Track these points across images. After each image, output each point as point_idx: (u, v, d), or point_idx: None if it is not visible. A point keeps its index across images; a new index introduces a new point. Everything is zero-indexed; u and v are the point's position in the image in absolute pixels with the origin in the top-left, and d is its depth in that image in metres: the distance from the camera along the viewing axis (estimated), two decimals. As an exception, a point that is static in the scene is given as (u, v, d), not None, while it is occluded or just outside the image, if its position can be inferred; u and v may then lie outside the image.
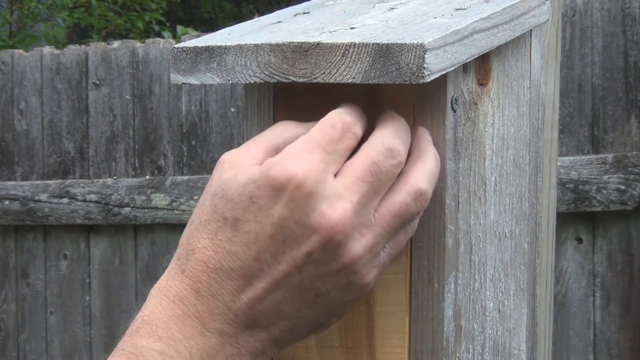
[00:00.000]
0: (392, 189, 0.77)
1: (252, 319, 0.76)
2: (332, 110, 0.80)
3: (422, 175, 0.78)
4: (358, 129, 0.77)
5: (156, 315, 0.76)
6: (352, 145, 0.77)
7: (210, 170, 3.23)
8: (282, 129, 0.80)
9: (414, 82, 0.76)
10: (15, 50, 3.64)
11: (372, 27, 0.84)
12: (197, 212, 0.78)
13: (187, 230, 0.78)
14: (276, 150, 0.78)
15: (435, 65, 0.77)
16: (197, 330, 0.75)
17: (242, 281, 0.75)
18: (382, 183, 0.76)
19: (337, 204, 0.74)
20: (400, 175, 0.78)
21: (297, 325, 0.77)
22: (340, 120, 0.77)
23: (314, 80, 0.79)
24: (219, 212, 0.75)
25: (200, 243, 0.76)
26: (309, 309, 0.77)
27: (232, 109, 3.25)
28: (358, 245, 0.75)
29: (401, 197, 0.77)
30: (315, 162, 0.74)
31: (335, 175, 0.75)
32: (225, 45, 0.82)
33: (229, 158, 0.77)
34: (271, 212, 0.74)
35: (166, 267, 0.79)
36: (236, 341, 0.76)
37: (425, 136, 0.82)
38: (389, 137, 0.77)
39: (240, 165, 0.76)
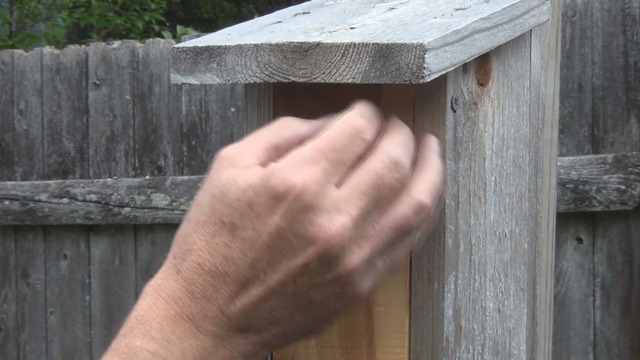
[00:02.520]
0: (393, 200, 0.77)
1: (245, 323, 0.76)
2: (331, 110, 0.79)
3: (424, 187, 0.78)
4: (368, 135, 0.76)
5: (150, 315, 0.75)
6: (360, 153, 0.76)
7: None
8: (283, 127, 0.78)
9: (413, 82, 0.76)
10: (15, 50, 3.64)
11: (372, 27, 0.84)
12: (195, 211, 0.77)
13: (183, 228, 0.77)
14: (277, 149, 0.77)
15: (435, 65, 0.77)
16: (190, 332, 0.75)
17: (237, 286, 0.75)
18: (383, 196, 0.75)
19: (336, 217, 0.73)
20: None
21: (289, 331, 0.77)
22: (351, 126, 0.75)
23: (314, 80, 0.79)
24: (217, 215, 0.75)
25: (196, 244, 0.75)
26: (301, 315, 0.77)
27: (232, 109, 3.25)
28: (354, 257, 0.75)
29: (402, 209, 0.76)
30: (317, 174, 0.73)
31: (338, 184, 0.74)
32: (225, 45, 0.82)
33: (228, 155, 0.76)
34: (269, 221, 0.73)
35: (161, 265, 0.79)
36: (229, 343, 0.76)
37: (431, 145, 0.81)
38: (395, 149, 0.76)
39: (240, 165, 0.75)
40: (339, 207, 0.73)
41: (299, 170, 0.73)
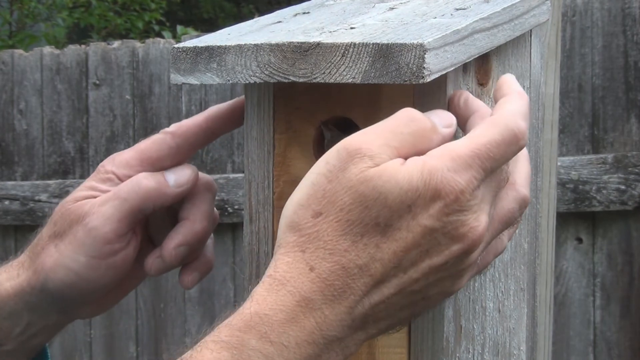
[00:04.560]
0: (501, 193, 0.77)
1: (364, 322, 0.74)
2: (331, 110, 0.79)
3: (524, 181, 0.79)
4: (525, 141, 0.76)
5: (276, 316, 0.72)
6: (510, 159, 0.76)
7: (210, 170, 3.23)
8: (408, 118, 0.76)
9: (414, 82, 0.76)
10: (15, 50, 3.64)
11: (372, 27, 0.84)
12: (329, 207, 0.73)
13: (311, 221, 0.74)
14: (413, 145, 0.74)
15: (435, 65, 0.77)
16: (311, 338, 0.72)
17: (372, 285, 0.73)
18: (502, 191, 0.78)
19: (482, 217, 0.74)
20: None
21: (389, 326, 0.76)
22: (513, 132, 0.75)
23: (314, 80, 0.79)
24: (371, 217, 0.72)
25: (340, 245, 0.73)
26: (408, 310, 0.76)
27: (232, 109, 3.25)
28: (477, 252, 0.75)
29: (509, 203, 0.78)
30: (473, 179, 0.73)
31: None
32: (225, 45, 0.82)
33: (364, 147, 0.74)
34: (423, 221, 0.72)
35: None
36: (339, 345, 0.73)
37: None
38: (523, 186, 0.78)
39: (380, 157, 0.73)
40: (482, 207, 0.74)
41: (458, 174, 0.72)
